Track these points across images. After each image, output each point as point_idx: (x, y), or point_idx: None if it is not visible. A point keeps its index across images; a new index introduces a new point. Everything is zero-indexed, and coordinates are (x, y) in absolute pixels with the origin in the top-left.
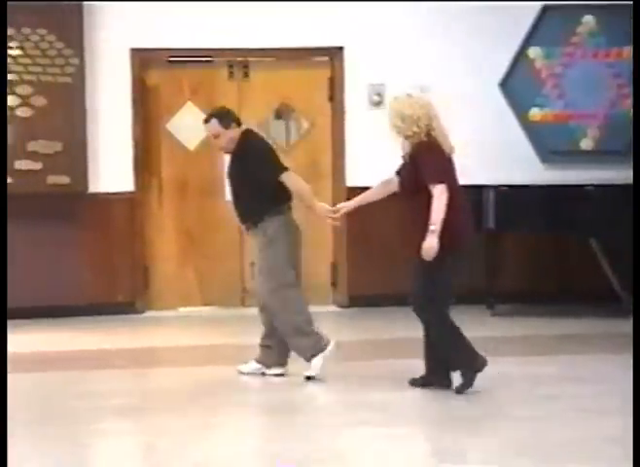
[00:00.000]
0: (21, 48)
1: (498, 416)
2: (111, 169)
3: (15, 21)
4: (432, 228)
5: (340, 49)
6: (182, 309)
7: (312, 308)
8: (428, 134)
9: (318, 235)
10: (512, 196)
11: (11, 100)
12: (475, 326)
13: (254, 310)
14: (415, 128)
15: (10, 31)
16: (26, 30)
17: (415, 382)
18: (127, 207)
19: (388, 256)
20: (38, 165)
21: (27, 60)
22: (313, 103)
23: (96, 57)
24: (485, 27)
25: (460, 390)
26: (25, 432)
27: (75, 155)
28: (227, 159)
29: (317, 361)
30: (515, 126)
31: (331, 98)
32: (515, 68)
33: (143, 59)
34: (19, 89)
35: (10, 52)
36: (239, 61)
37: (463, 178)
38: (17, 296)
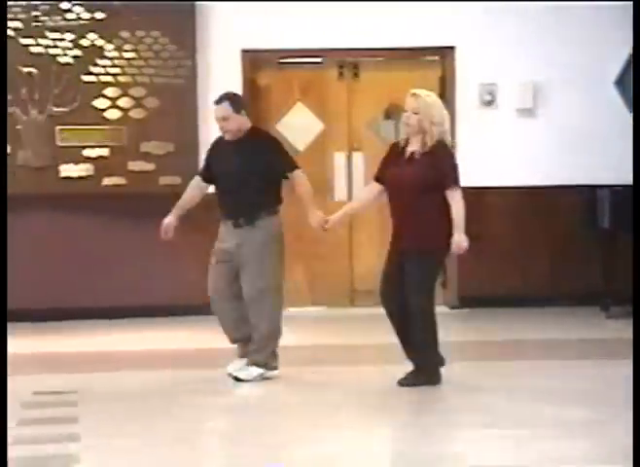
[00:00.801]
0: (135, 50)
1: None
2: None
3: (129, 24)
4: (461, 226)
5: (452, 48)
6: (291, 309)
7: None
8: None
9: None
10: (627, 195)
11: (125, 102)
12: (589, 328)
13: (363, 311)
14: (446, 126)
15: (124, 34)
16: (140, 33)
17: (405, 382)
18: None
19: (499, 256)
20: (151, 166)
21: (141, 63)
22: None
23: (208, 59)
24: (598, 24)
25: (410, 384)
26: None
27: (187, 155)
28: (331, 158)
29: (257, 372)
30: (631, 125)
31: (441, 98)
32: (631, 66)
33: (254, 60)
34: (133, 91)
35: (124, 54)
36: (349, 62)
37: (577, 177)
38: (132, 295)
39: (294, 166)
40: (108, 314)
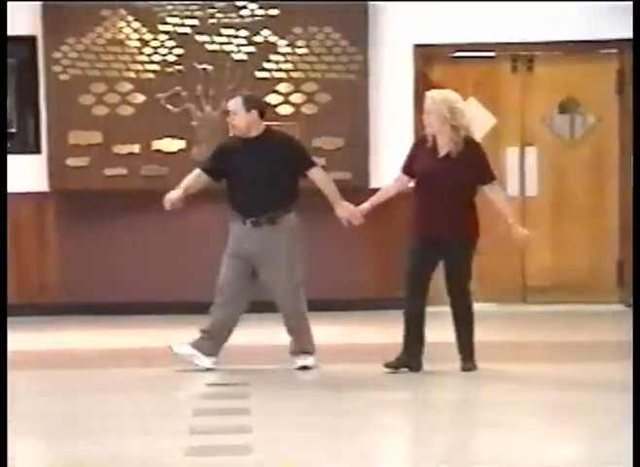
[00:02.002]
0: (308, 46)
1: None
2: (392, 165)
3: (302, 20)
4: (512, 220)
5: (630, 41)
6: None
7: (596, 307)
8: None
9: (603, 233)
10: None
11: (297, 98)
12: None
13: (535, 308)
14: (463, 121)
15: (297, 30)
16: (313, 29)
17: (390, 365)
18: (405, 202)
19: None
20: (321, 161)
21: (313, 58)
22: (600, 97)
23: (380, 54)
24: None
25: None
26: (314, 421)
27: (357, 151)
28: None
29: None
30: None
31: (619, 91)
32: None
33: (426, 55)
34: (305, 87)
35: (296, 50)
36: (523, 55)
37: None
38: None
39: (311, 164)
40: (268, 308)
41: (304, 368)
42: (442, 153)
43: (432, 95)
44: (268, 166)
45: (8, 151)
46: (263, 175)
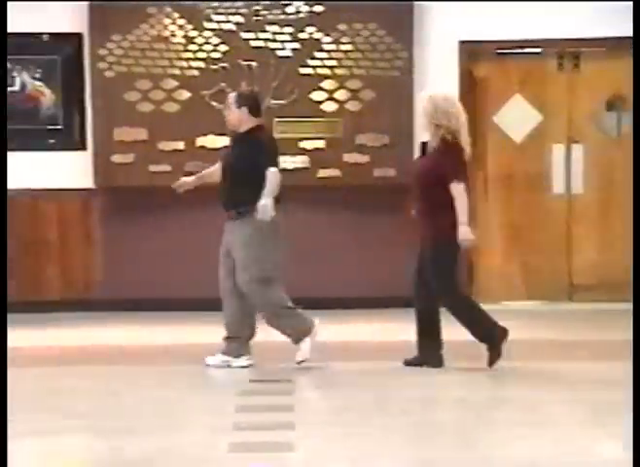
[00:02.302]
0: (352, 43)
1: None
2: None
3: (347, 17)
4: (463, 219)
5: None
6: (506, 303)
7: None
8: (454, 135)
9: None
10: None
11: (341, 94)
12: None
13: (581, 306)
14: (445, 122)
15: (342, 27)
16: (358, 25)
17: (410, 362)
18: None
19: None
20: (365, 158)
21: (358, 55)
22: None
23: (425, 51)
24: None
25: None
26: (354, 418)
27: (401, 148)
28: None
29: (305, 345)
30: None
31: None
32: None
33: (471, 52)
34: (350, 84)
35: (341, 47)
36: (570, 52)
37: None
38: (343, 286)
39: (269, 165)
40: (323, 304)
41: (298, 362)
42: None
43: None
44: (239, 162)
45: (54, 147)
46: (233, 170)
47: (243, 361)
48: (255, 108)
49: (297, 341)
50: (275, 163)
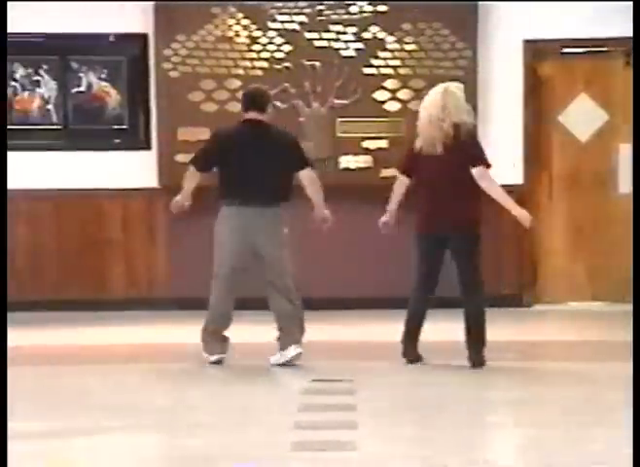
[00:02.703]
0: (416, 42)
1: None
2: (500, 162)
3: (411, 16)
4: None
5: None
6: (571, 304)
7: None
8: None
9: None
10: None
11: (404, 94)
12: None
13: None
14: (465, 117)
15: (406, 26)
16: (422, 25)
17: (412, 360)
18: (516, 200)
19: None
20: None
21: (422, 54)
22: None
23: (489, 50)
24: None
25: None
26: (414, 417)
27: None
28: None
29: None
30: None
31: None
32: None
33: (536, 51)
34: (413, 83)
35: (405, 46)
36: None
37: None
38: (403, 286)
39: (191, 162)
40: (384, 304)
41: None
42: (439, 149)
43: (427, 95)
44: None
45: (119, 147)
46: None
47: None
48: (244, 103)
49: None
50: (193, 159)
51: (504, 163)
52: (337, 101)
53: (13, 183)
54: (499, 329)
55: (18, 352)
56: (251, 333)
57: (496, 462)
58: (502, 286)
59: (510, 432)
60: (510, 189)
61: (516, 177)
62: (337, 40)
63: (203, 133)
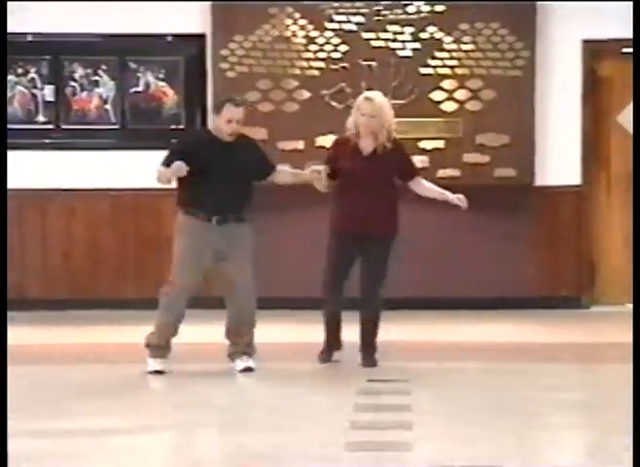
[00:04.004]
0: (474, 42)
1: None
2: (558, 162)
3: (468, 16)
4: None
5: None
6: (629, 305)
7: None
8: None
9: None
10: None
11: (461, 94)
12: None
13: None
14: (393, 123)
15: (463, 26)
16: (479, 25)
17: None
18: (574, 201)
19: None
20: (486, 158)
21: (479, 54)
22: None
23: (547, 50)
24: None
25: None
26: (472, 417)
27: (522, 147)
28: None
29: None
30: None
31: None
32: None
33: (595, 51)
34: (470, 83)
35: (462, 46)
36: None
37: None
38: (461, 286)
39: (274, 166)
40: (433, 305)
41: (245, 370)
42: (365, 152)
43: (376, 100)
44: (245, 166)
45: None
46: (238, 174)
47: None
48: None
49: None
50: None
51: (562, 164)
52: (393, 101)
53: (70, 182)
54: (557, 330)
55: (75, 350)
56: (306, 332)
57: (556, 464)
58: (560, 288)
59: (567, 434)
60: (568, 189)
61: (574, 177)
62: (394, 40)
63: (259, 133)
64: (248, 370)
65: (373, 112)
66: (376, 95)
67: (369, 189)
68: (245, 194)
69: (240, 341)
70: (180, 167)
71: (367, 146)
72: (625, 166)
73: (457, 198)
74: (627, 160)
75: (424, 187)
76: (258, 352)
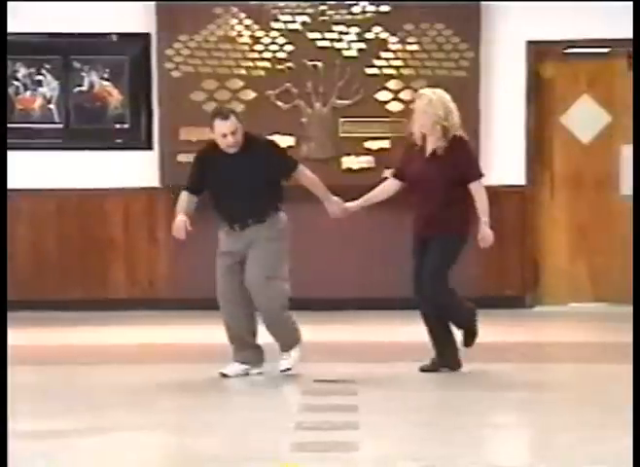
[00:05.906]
0: (419, 43)
1: None
2: (503, 163)
3: (413, 17)
4: (486, 219)
5: None
6: (572, 305)
7: None
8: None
9: None
10: None
11: (406, 95)
12: None
13: None
14: (453, 121)
15: (408, 27)
16: (424, 25)
17: (427, 368)
18: (518, 201)
19: None
20: None
21: (424, 55)
22: None
23: (491, 51)
24: None
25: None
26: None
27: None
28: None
29: (295, 353)
30: None
31: None
32: None
33: (539, 52)
34: (415, 84)
35: (407, 47)
36: None
37: None
38: (404, 287)
39: (295, 163)
40: (385, 304)
41: (284, 370)
42: (428, 153)
43: (425, 95)
44: (255, 173)
45: (121, 147)
46: (251, 182)
47: (237, 368)
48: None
49: (288, 348)
50: (296, 160)
51: (507, 164)
52: (339, 102)
53: (13, 183)
54: (501, 330)
55: (19, 352)
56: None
57: (500, 464)
58: (504, 287)
59: (513, 433)
60: (512, 189)
61: (519, 177)
62: (339, 40)
63: (205, 133)
64: (287, 370)
65: (422, 107)
66: (429, 91)
67: (426, 192)
68: (261, 198)
69: (276, 340)
70: (179, 229)
71: (428, 147)
72: (569, 167)
73: (486, 232)
74: (571, 160)
75: (476, 195)
76: (201, 354)
